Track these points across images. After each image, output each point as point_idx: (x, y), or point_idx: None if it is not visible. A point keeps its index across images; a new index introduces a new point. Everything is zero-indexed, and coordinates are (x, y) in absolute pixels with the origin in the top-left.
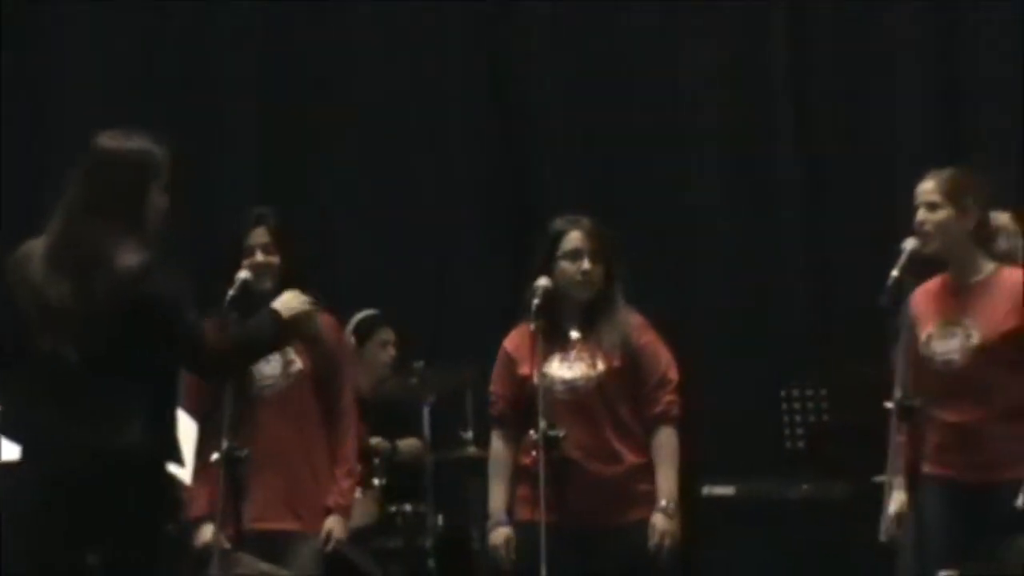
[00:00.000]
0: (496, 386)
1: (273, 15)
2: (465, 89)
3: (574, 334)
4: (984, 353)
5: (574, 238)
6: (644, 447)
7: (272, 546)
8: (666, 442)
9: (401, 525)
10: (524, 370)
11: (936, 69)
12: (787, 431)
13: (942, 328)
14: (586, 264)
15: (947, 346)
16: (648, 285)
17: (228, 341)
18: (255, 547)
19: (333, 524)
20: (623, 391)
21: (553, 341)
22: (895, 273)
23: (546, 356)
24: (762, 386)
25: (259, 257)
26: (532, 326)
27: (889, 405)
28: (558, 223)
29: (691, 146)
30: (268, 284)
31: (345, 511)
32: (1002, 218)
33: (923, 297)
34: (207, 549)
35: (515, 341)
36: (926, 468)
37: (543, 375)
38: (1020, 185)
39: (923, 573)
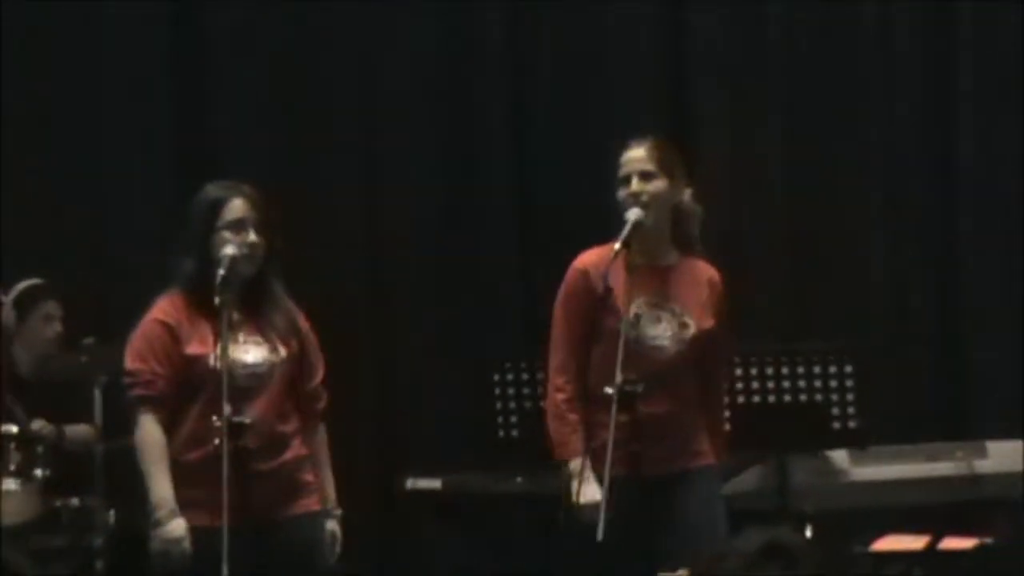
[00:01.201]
0: (151, 364)
1: None
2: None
3: (236, 314)
4: (694, 344)
5: (237, 207)
6: (304, 439)
7: None
8: (323, 440)
9: (66, 521)
10: (193, 349)
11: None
12: (500, 419)
13: (649, 309)
14: (251, 236)
15: (657, 330)
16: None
17: None
18: None
19: None
20: (292, 380)
21: (211, 320)
22: (618, 246)
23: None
24: (473, 370)
25: None
26: (218, 300)
27: (609, 390)
28: (215, 189)
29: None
30: None
31: None
32: (684, 195)
33: (600, 270)
34: None
35: (172, 315)
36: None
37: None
38: None
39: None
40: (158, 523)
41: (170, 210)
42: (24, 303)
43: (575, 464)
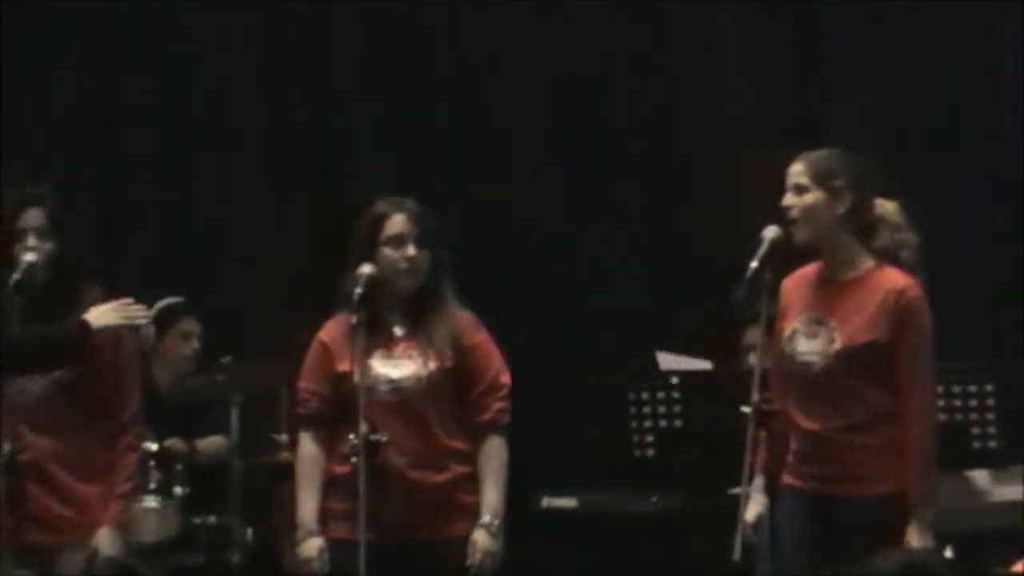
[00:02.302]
0: (309, 382)
1: None
2: (269, 74)
3: (398, 329)
4: (843, 359)
5: (398, 222)
6: (469, 456)
7: (36, 560)
8: (495, 453)
9: (205, 539)
10: (343, 366)
11: None
12: (635, 438)
13: (807, 325)
14: (411, 250)
15: (809, 346)
16: (474, 282)
17: (23, 340)
18: (20, 560)
19: (101, 539)
20: (452, 394)
21: (375, 335)
22: (754, 264)
23: (368, 352)
24: (609, 389)
25: (31, 242)
26: (354, 318)
27: (746, 409)
28: (381, 205)
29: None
30: (40, 272)
31: (118, 524)
32: (886, 207)
33: (793, 285)
34: None
35: (332, 333)
36: (784, 477)
37: (365, 373)
38: None
39: None
40: (296, 542)
41: (303, 227)
42: (163, 321)
43: (756, 483)
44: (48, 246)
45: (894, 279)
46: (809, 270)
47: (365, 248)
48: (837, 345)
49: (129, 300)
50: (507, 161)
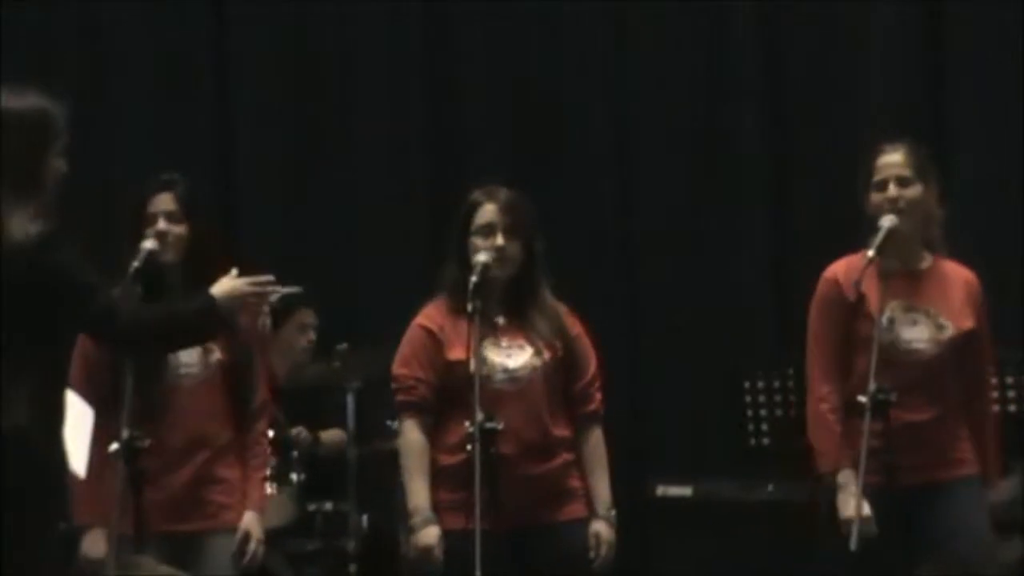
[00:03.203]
0: (415, 369)
1: None
2: (390, 55)
3: (500, 319)
4: (953, 346)
5: (488, 211)
6: (573, 443)
7: (179, 548)
8: (599, 442)
9: (321, 525)
10: (455, 354)
11: None
12: (751, 427)
13: (904, 313)
14: (500, 240)
15: (915, 333)
16: (595, 272)
17: (151, 315)
18: (159, 549)
19: (250, 523)
20: (560, 384)
21: (484, 326)
22: (871, 253)
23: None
24: (724, 378)
25: (162, 225)
26: (470, 307)
27: (862, 399)
28: (475, 195)
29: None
30: (171, 256)
31: (261, 509)
32: None
33: (863, 278)
34: (94, 562)
35: (436, 321)
36: (868, 476)
37: (481, 362)
38: None
39: None
40: (412, 530)
41: (420, 214)
42: (279, 312)
43: (843, 476)
44: (179, 230)
45: (962, 269)
46: (857, 260)
47: (458, 237)
48: (950, 332)
49: (266, 277)
50: (625, 153)
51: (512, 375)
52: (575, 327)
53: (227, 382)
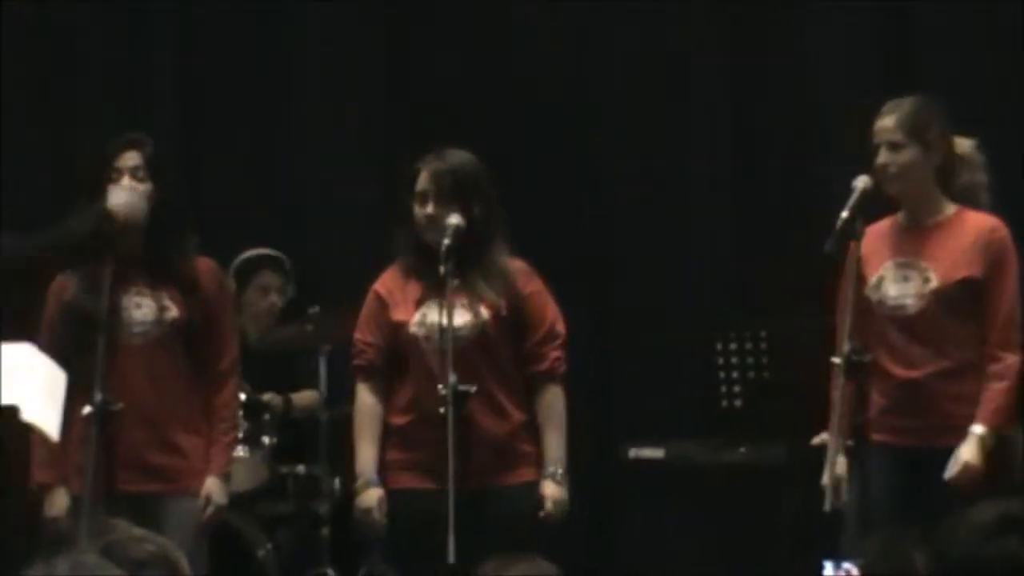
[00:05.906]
0: (365, 333)
1: None
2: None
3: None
4: (940, 298)
5: (422, 179)
6: (527, 405)
7: (141, 510)
8: (554, 402)
9: (293, 488)
10: (398, 315)
11: None
12: (723, 388)
13: (895, 270)
14: (430, 208)
15: (901, 289)
16: (569, 235)
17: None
18: (123, 511)
19: (212, 487)
20: (509, 344)
21: (429, 288)
22: (845, 214)
23: (423, 302)
24: (696, 340)
25: (126, 181)
26: (442, 268)
27: (836, 360)
28: (417, 162)
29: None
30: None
31: (224, 473)
32: (964, 146)
33: (873, 237)
34: (59, 520)
35: (387, 284)
36: (870, 432)
37: (422, 323)
38: None
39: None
40: (355, 492)
41: (388, 180)
42: (241, 274)
43: (821, 439)
44: (143, 188)
45: (982, 219)
46: (885, 224)
47: (405, 202)
48: (933, 284)
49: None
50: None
51: (456, 333)
52: (528, 286)
53: (186, 342)
